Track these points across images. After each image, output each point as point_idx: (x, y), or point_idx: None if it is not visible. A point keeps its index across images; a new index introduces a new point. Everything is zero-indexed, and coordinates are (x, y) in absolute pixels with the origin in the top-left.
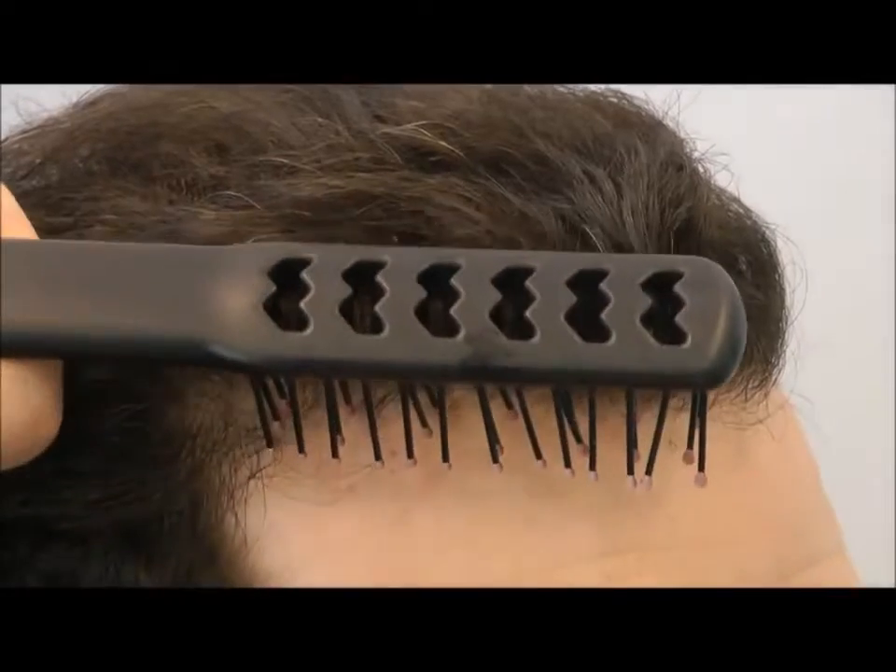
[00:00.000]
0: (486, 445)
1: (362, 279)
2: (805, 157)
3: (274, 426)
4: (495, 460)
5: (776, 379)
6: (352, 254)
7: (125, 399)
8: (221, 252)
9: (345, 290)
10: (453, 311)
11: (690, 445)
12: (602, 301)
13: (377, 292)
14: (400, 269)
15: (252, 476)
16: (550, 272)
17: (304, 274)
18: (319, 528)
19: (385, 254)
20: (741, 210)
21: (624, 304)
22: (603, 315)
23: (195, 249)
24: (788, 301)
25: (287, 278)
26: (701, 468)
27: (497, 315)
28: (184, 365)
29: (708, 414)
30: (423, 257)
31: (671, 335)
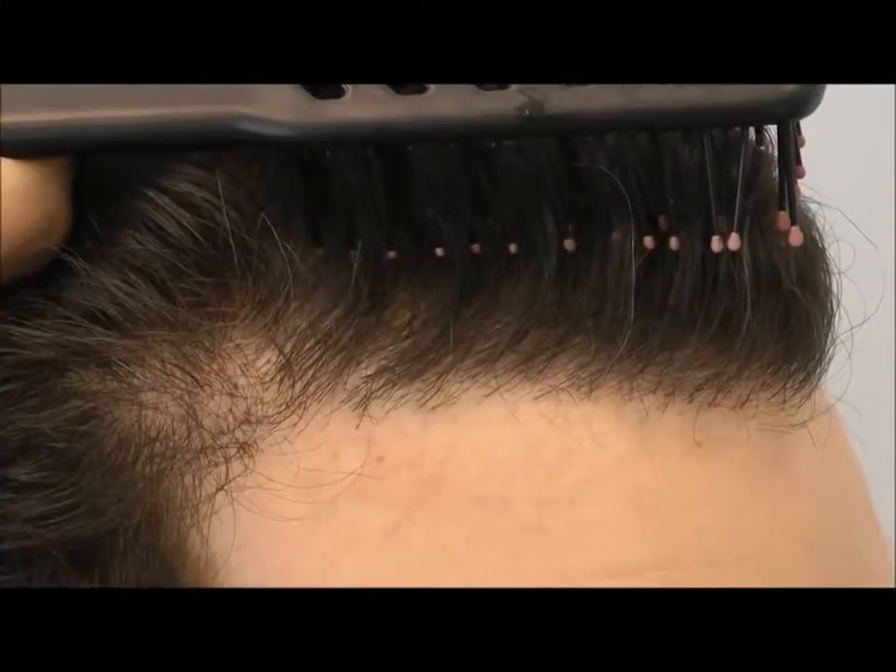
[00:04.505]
0: (488, 443)
1: None
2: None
3: (246, 431)
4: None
5: (818, 381)
6: None
7: (71, 397)
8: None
9: None
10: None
11: (781, 206)
12: None
13: None
14: None
15: (220, 488)
16: None
17: None
18: (298, 547)
19: None
20: None
21: None
22: None
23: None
24: (834, 297)
25: None
26: (793, 221)
27: None
28: (212, 149)
29: (741, 413)
30: None
31: None
